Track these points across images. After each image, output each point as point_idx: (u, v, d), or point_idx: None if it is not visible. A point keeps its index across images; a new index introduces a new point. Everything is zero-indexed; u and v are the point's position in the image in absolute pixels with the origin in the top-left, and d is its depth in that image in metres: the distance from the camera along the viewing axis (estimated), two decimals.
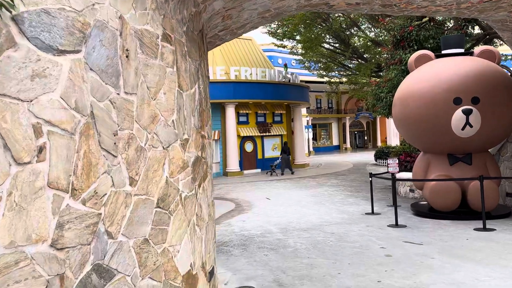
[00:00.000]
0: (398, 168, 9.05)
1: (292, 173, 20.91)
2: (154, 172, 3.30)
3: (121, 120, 2.96)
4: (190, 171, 3.85)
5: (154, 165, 3.30)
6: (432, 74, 9.12)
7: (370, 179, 10.10)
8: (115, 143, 2.91)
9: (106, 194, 2.81)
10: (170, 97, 3.56)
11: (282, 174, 20.74)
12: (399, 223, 8.55)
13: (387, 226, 8.42)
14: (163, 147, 3.43)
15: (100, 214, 2.75)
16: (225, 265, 6.09)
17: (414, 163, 13.71)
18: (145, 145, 3.20)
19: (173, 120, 3.60)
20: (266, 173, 21.23)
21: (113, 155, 2.88)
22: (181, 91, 3.77)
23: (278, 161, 21.20)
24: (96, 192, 2.72)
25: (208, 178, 4.49)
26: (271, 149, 23.65)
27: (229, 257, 6.51)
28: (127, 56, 3.05)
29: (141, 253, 3.12)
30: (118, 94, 2.94)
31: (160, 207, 3.34)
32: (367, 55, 21.99)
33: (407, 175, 12.12)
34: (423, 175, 9.72)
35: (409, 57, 11.94)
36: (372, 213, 9.86)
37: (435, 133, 9.03)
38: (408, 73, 10.64)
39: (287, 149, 21.04)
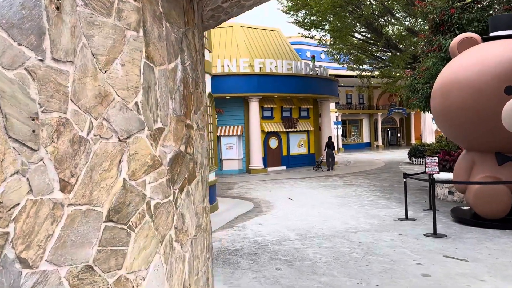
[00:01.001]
0: (437, 168, 7.86)
1: (333, 169, 20.37)
2: (103, 173, 2.39)
3: (45, 98, 2.06)
4: (165, 171, 2.93)
5: (103, 163, 2.39)
6: (478, 60, 7.85)
7: (404, 180, 8.93)
8: (33, 131, 2.02)
9: (18, 204, 1.93)
10: (132, 70, 2.64)
11: (329, 169, 20.26)
12: (438, 231, 7.38)
13: (424, 235, 7.27)
14: (118, 138, 2.51)
15: (7, 233, 1.88)
16: (229, 281, 5.16)
17: (453, 162, 12.37)
18: (87, 134, 2.29)
19: (136, 103, 2.68)
20: (313, 169, 20.70)
21: (31, 148, 1.99)
22: (152, 65, 2.85)
23: (323, 156, 21.15)
24: (1, 202, 1.85)
25: (197, 180, 3.56)
26: (297, 146, 22.57)
27: (235, 270, 5.58)
28: (57, 8, 2.15)
29: (80, 286, 2.23)
30: (41, 60, 2.05)
31: (112, 221, 2.42)
32: (401, 45, 20.51)
33: (447, 176, 10.84)
34: (466, 176, 8.46)
35: (449, 43, 10.62)
36: (406, 218, 8.70)
37: (481, 128, 7.77)
38: (448, 60, 9.37)
39: (331, 144, 20.55)
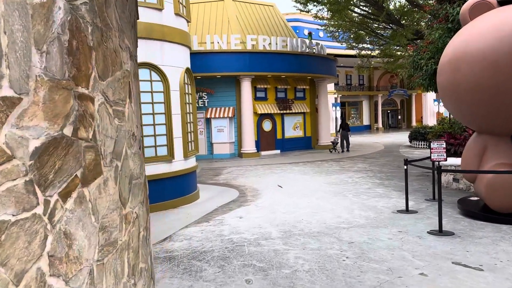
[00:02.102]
0: (445, 154, 6.75)
1: (348, 151, 20.00)
2: None
3: None
4: (21, 167, 1.83)
5: None
6: (495, 27, 6.65)
7: (405, 167, 7.83)
8: None
9: None
10: None
11: (343, 151, 19.95)
12: (443, 228, 6.32)
13: (428, 233, 6.20)
14: None
15: None
16: None
17: (459, 146, 11.25)
18: None
19: None
20: (329, 151, 20.31)
21: None
22: None
23: (336, 138, 20.53)
24: None
25: (105, 178, 2.44)
26: (292, 129, 21.42)
27: (195, 282, 4.52)
28: None
29: None
30: None
31: None
32: (404, 20, 19.14)
33: (453, 161, 9.74)
34: (476, 163, 7.37)
35: (458, 11, 9.39)
36: (407, 211, 7.64)
37: (497, 107, 6.63)
38: (457, 32, 8.16)
39: (345, 126, 20.12)
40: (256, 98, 19.62)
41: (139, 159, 3.03)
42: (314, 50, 21.09)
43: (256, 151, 18.94)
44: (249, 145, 18.66)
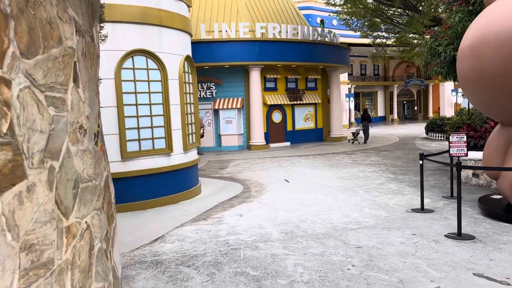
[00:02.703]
0: (465, 149, 6.08)
1: (365, 142, 19.62)
2: None
3: None
4: None
5: None
6: None
7: (421, 162, 7.18)
8: None
9: None
10: None
11: (365, 142, 19.57)
12: (463, 230, 5.70)
13: (445, 236, 5.58)
14: None
15: None
16: None
17: (479, 139, 10.51)
18: None
19: None
20: (348, 141, 20.16)
21: None
22: None
23: (358, 128, 19.87)
24: None
25: (30, 183, 1.92)
26: (303, 120, 20.76)
27: None
28: None
29: None
30: None
31: None
32: (420, 6, 18.22)
33: (474, 155, 9.02)
34: (500, 159, 6.68)
35: None
36: (422, 209, 7.01)
37: None
38: (478, 14, 7.40)
39: (367, 116, 19.72)
40: (265, 89, 19.00)
41: (93, 157, 2.50)
42: (326, 38, 20.33)
43: (265, 143, 18.37)
44: (258, 137, 18.10)
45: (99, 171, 2.61)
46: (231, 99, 18.37)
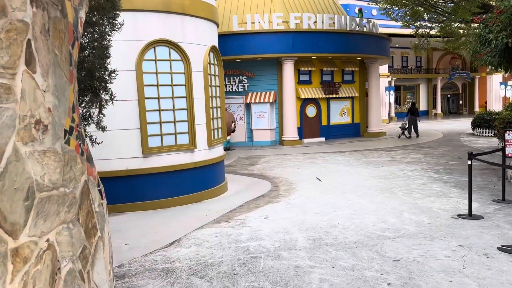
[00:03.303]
0: None
1: (417, 136, 19.24)
2: None
3: None
4: None
5: None
6: None
7: (469, 162, 6.36)
8: None
9: None
10: None
11: (410, 136, 19.19)
12: None
13: (498, 249, 4.81)
14: None
15: None
16: None
17: None
18: None
19: None
20: (396, 136, 19.70)
21: None
22: None
23: (405, 122, 19.55)
24: None
25: None
26: (339, 114, 19.91)
27: None
28: None
29: None
30: None
31: None
32: None
33: None
34: None
35: None
36: (470, 215, 6.21)
37: None
38: None
39: (415, 110, 19.38)
40: (299, 82, 18.32)
41: (61, 159, 2.04)
42: (365, 29, 19.34)
43: (298, 138, 17.72)
44: (291, 132, 17.47)
45: (71, 175, 2.14)
46: (263, 93, 17.83)
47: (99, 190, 2.64)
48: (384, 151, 14.86)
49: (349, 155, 13.99)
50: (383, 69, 32.08)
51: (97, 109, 5.78)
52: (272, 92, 17.84)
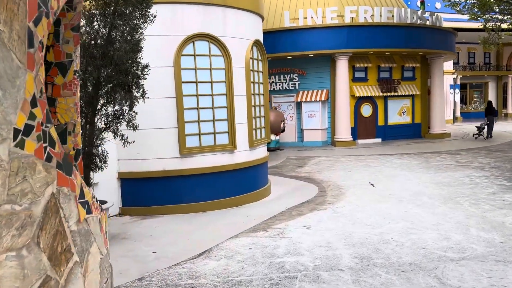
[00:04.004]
0: None
1: (490, 137, 17.97)
2: None
3: None
4: None
5: None
6: None
7: None
8: None
9: None
10: None
11: (489, 137, 17.94)
12: None
13: None
14: None
15: None
16: None
17: None
18: None
19: None
20: (473, 136, 18.38)
21: None
22: None
23: (483, 122, 18.31)
24: None
25: None
26: (398, 114, 18.62)
27: None
28: None
29: None
30: None
31: None
32: None
33: None
34: None
35: None
36: None
37: None
38: None
39: (493, 110, 18.38)
40: (354, 79, 17.32)
41: (8, 168, 1.56)
42: (427, 22, 17.91)
43: (351, 139, 16.73)
44: (344, 132, 16.53)
45: (24, 188, 1.67)
46: (315, 91, 17.04)
47: (83, 203, 2.16)
48: (448, 154, 13.55)
49: (408, 158, 12.87)
50: (448, 65, 29.91)
51: (128, 107, 5.44)
52: (324, 90, 17.00)
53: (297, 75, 17.31)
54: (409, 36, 16.95)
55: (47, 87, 2.84)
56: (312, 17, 16.24)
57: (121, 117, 5.49)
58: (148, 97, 5.74)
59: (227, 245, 5.22)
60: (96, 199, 2.46)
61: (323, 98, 16.79)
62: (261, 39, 8.25)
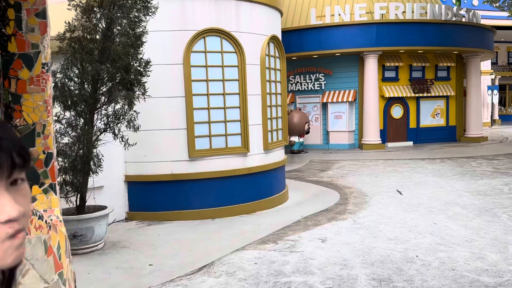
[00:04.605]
0: None
1: None
2: None
3: None
4: None
5: None
6: None
7: None
8: None
9: None
10: None
11: None
12: None
13: None
14: None
15: None
16: None
17: None
18: None
19: None
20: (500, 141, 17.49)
21: None
22: None
23: None
24: None
25: None
26: (431, 116, 17.63)
27: None
28: None
29: None
30: None
31: None
32: None
33: None
34: None
35: None
36: None
37: None
38: None
39: None
40: (383, 79, 16.50)
41: None
42: (463, 19, 16.86)
43: (380, 142, 15.91)
44: (372, 135, 15.75)
45: None
46: (341, 92, 16.33)
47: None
48: (484, 159, 12.58)
49: (440, 163, 12.01)
50: (485, 65, 28.39)
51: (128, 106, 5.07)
52: (352, 91, 16.26)
53: (323, 74, 16.66)
54: (443, 34, 15.98)
55: (10, 82, 2.45)
56: (339, 14, 15.57)
57: (121, 117, 5.12)
58: (151, 96, 5.36)
59: (231, 259, 4.74)
60: (40, 215, 2.04)
61: (350, 99, 16.07)
62: (279, 35, 7.75)
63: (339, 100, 16.15)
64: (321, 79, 16.62)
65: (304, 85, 16.84)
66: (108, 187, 6.36)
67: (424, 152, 14.74)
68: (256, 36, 6.96)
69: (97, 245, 5.16)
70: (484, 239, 5.23)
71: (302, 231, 5.75)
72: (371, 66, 15.63)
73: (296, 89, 17.01)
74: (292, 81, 17.04)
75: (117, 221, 6.48)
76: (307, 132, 15.36)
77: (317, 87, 16.70)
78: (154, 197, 6.59)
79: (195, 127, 6.49)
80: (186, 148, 6.48)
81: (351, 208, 7.03)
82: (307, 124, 15.18)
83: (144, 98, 5.12)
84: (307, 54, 15.71)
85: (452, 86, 17.80)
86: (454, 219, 6.18)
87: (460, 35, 16.45)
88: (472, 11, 17.63)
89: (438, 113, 17.82)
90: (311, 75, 16.74)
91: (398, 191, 8.30)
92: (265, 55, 7.03)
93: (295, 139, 15.30)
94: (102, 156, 5.17)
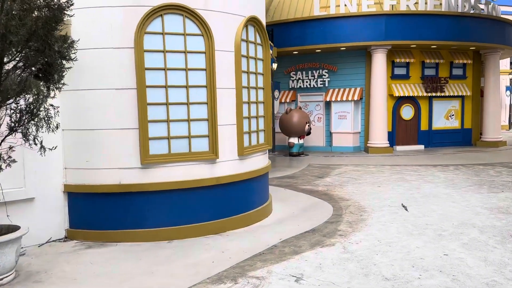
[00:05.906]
0: None
1: None
2: None
3: None
4: None
5: None
6: None
7: None
8: None
9: None
10: None
11: None
12: None
13: None
14: None
15: None
16: None
17: None
18: None
19: None
20: None
21: None
22: None
23: None
24: None
25: None
26: (445, 117, 16.16)
27: None
28: None
29: None
30: None
31: None
32: None
33: None
34: None
35: None
36: None
37: None
38: None
39: None
40: (393, 76, 15.10)
41: None
42: (481, 11, 15.38)
43: (388, 145, 14.51)
44: (379, 137, 14.36)
45: None
46: (346, 90, 14.97)
47: None
48: (504, 167, 11.14)
49: (454, 171, 10.61)
50: (504, 64, 26.69)
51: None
52: (358, 89, 14.89)
53: (327, 71, 15.31)
54: (459, 27, 14.52)
55: None
56: (345, 5, 14.21)
57: (32, 114, 3.90)
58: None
59: None
60: None
61: (356, 98, 14.69)
62: (262, 17, 6.47)
63: (344, 98, 14.79)
64: (325, 75, 15.28)
65: (306, 82, 15.53)
66: (42, 200, 5.18)
67: (436, 157, 13.31)
68: (230, 16, 5.69)
69: (1, 279, 3.96)
70: (504, 271, 3.93)
71: (274, 263, 4.47)
72: (379, 62, 14.26)
73: (298, 87, 15.72)
74: (293, 77, 15.76)
75: (52, 241, 5.28)
76: (308, 133, 14.07)
77: (320, 84, 15.37)
78: (99, 213, 5.38)
79: (149, 126, 5.26)
80: (138, 152, 5.25)
81: (343, 229, 5.72)
82: (308, 124, 13.88)
83: (60, 89, 3.90)
84: (310, 48, 14.41)
85: (468, 85, 16.30)
86: (470, 248, 4.85)
87: (478, 29, 14.97)
88: (492, 3, 16.12)
89: (453, 115, 16.35)
90: (314, 72, 15.42)
91: (403, 206, 6.97)
92: (240, 40, 5.76)
93: (294, 140, 14.04)
94: (10, 157, 3.97)
